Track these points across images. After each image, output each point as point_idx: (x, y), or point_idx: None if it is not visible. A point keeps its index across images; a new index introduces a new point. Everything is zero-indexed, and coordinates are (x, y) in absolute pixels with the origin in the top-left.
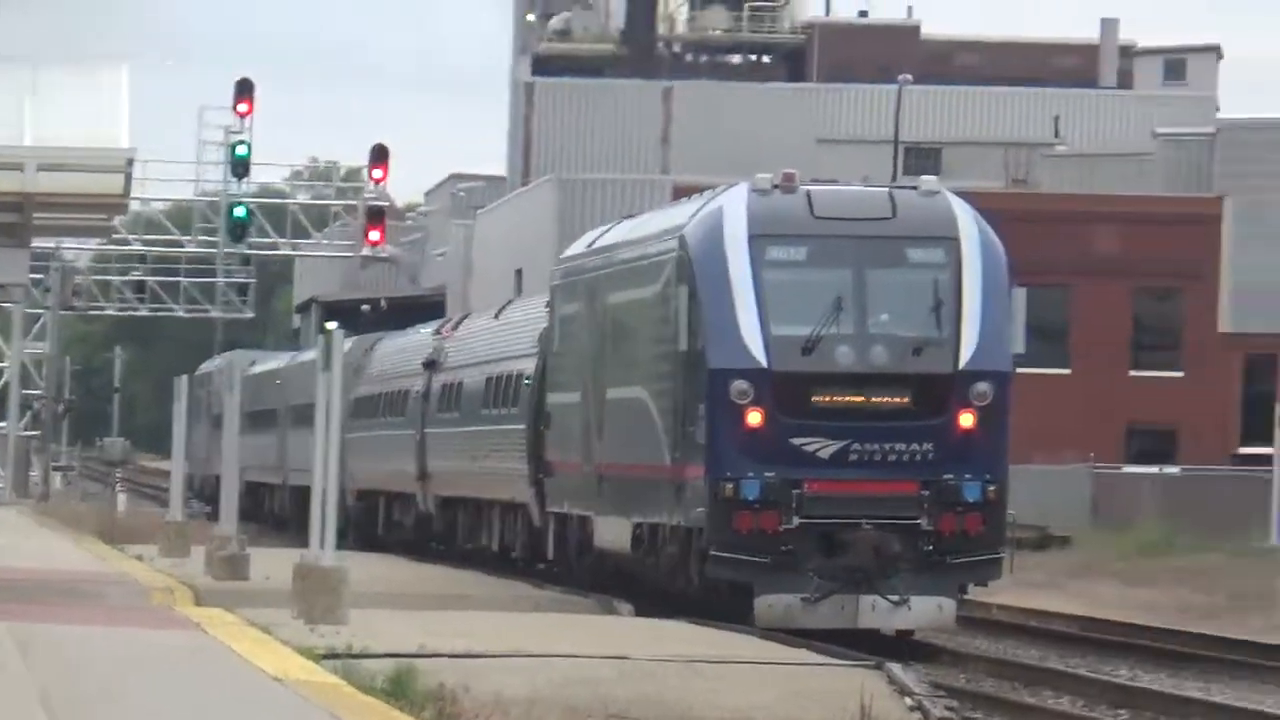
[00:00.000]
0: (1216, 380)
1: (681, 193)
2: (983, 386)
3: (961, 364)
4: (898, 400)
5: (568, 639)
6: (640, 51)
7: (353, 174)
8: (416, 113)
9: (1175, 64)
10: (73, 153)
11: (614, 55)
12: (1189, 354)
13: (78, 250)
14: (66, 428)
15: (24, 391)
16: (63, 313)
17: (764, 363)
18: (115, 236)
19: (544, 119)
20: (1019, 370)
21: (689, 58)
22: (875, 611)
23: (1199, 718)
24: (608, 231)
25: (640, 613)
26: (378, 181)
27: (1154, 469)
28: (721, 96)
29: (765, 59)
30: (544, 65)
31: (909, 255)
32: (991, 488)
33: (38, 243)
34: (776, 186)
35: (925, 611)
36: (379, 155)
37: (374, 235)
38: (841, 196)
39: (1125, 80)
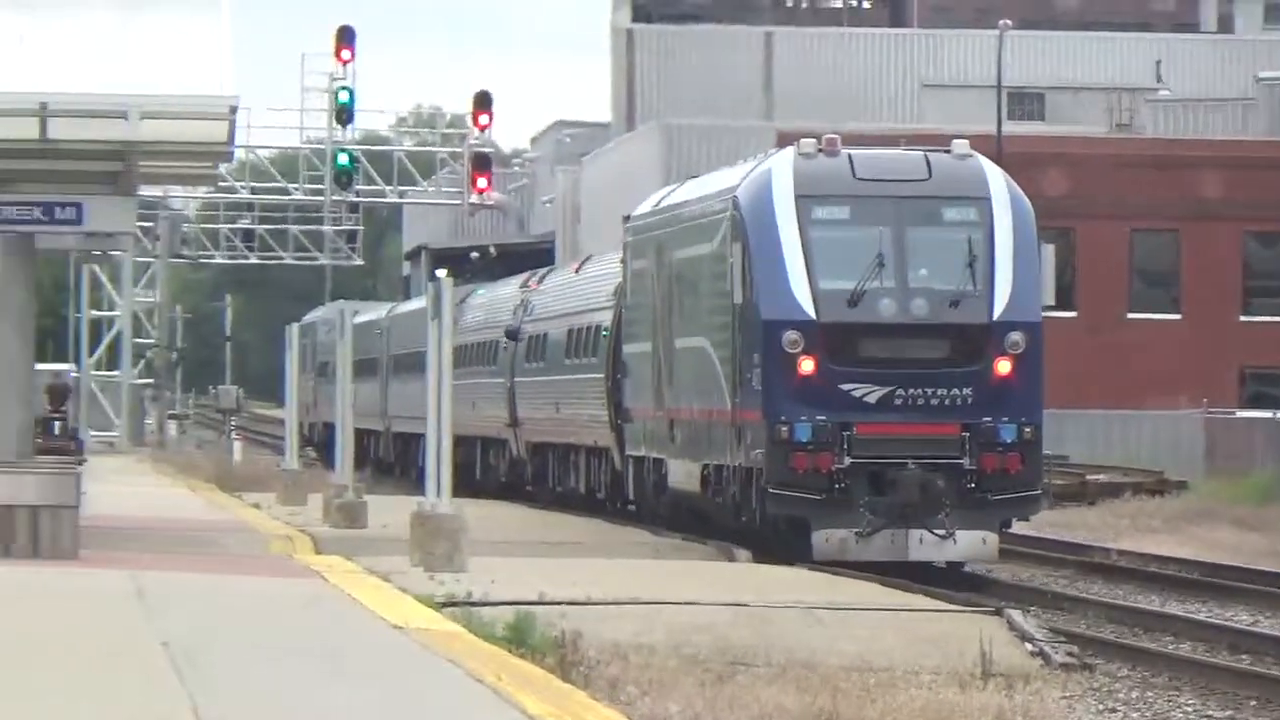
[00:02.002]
0: None
1: (785, 139)
2: (1016, 336)
3: (996, 315)
4: (938, 349)
5: (686, 586)
6: None
7: (457, 121)
8: (519, 60)
9: (1275, 7)
10: (176, 100)
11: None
12: None
13: (185, 198)
14: (180, 376)
15: (135, 340)
16: (172, 261)
17: (812, 314)
18: (222, 184)
19: (645, 66)
20: (1128, 317)
21: (789, 2)
22: (923, 545)
23: None
24: (673, 192)
25: (757, 559)
26: (483, 128)
27: (1269, 414)
28: (823, 42)
29: (865, 3)
30: (644, 12)
31: (944, 214)
32: (1028, 429)
33: (145, 191)
34: (820, 150)
35: (970, 545)
36: (483, 102)
37: (481, 183)
38: (881, 159)
39: (1225, 24)
